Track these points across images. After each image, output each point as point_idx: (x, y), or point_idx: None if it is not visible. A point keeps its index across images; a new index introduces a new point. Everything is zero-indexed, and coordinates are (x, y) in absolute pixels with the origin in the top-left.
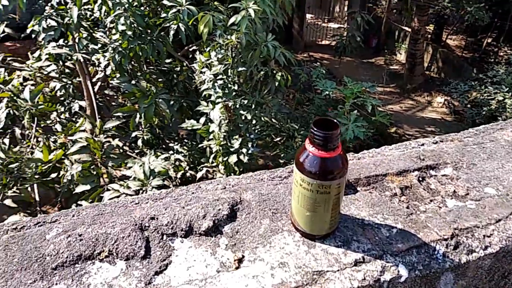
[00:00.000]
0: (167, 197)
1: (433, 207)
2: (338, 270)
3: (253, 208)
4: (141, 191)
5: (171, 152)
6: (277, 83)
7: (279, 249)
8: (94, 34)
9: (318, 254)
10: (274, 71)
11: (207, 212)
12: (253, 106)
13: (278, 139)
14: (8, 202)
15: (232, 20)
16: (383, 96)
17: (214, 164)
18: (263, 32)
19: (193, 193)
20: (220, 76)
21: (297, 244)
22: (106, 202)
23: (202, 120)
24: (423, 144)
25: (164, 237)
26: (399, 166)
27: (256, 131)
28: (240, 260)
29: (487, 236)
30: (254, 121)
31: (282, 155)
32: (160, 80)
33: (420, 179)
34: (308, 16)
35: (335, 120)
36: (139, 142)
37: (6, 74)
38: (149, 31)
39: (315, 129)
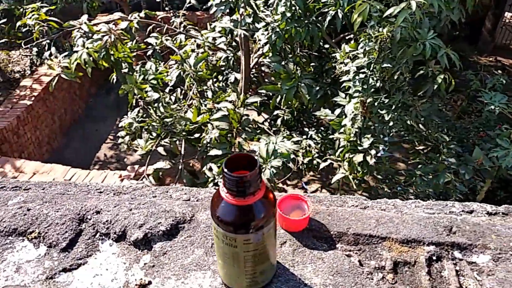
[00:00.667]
0: (127, 194)
1: None
2: None
3: (198, 232)
4: (261, 168)
5: (304, 136)
6: (436, 86)
7: None
8: (258, 13)
9: None
10: (436, 72)
11: (146, 222)
12: (394, 107)
13: (421, 147)
14: (160, 149)
15: (389, 11)
16: None
17: (340, 158)
18: (429, 28)
19: (154, 196)
20: (363, 70)
21: None
22: (81, 183)
23: (338, 111)
24: (471, 212)
25: (97, 235)
26: (411, 232)
27: (393, 134)
28: (144, 286)
29: None
30: (391, 123)
31: (419, 166)
32: (311, 64)
33: (434, 258)
34: (509, 15)
35: (256, 158)
36: (278, 121)
37: (184, 40)
38: (308, 13)
39: (225, 169)
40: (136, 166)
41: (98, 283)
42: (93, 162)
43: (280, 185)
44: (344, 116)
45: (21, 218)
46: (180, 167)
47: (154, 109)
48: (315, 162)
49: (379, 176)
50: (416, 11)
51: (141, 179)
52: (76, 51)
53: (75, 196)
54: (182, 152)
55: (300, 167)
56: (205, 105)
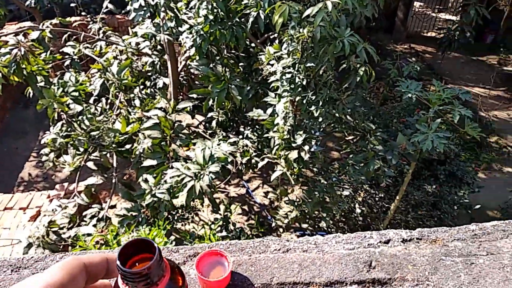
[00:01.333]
0: (29, 269)
1: None
2: None
3: None
4: (199, 175)
5: (240, 137)
6: (358, 78)
7: None
8: (180, 16)
9: None
10: (358, 66)
11: None
12: (321, 103)
13: (350, 138)
14: (90, 164)
15: (307, 12)
16: (488, 100)
17: (276, 156)
18: (346, 24)
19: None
20: (289, 70)
21: None
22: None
23: (269, 111)
24: (387, 242)
25: None
26: (333, 273)
27: (323, 128)
28: None
29: None
30: (321, 118)
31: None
32: (240, 64)
33: None
34: (417, 4)
35: (155, 243)
36: (213, 123)
37: (104, 46)
38: (230, 15)
39: (118, 262)
40: (66, 184)
41: None
42: (17, 183)
43: (222, 185)
44: (276, 115)
45: None
46: (114, 180)
47: (78, 122)
48: (253, 161)
49: (315, 169)
50: (332, 11)
51: (72, 197)
52: None
53: None
54: (115, 165)
55: (239, 167)
56: (134, 114)
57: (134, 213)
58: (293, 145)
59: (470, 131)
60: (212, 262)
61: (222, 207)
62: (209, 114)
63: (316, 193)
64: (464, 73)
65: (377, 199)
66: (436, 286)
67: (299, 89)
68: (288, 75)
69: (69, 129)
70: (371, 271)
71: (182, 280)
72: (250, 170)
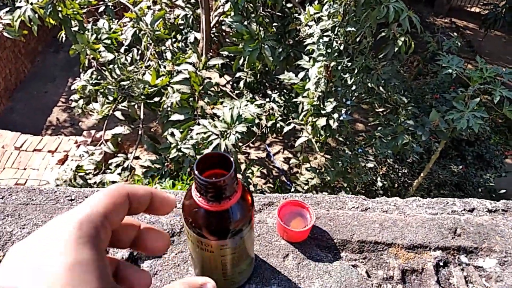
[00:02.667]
0: None
1: None
2: None
3: None
4: (225, 134)
5: (267, 99)
6: (396, 49)
7: None
8: None
9: None
10: (397, 35)
11: None
12: (357, 71)
13: (381, 110)
14: (118, 114)
15: None
16: None
17: (303, 122)
18: None
19: None
20: (327, 33)
21: None
22: (43, 189)
23: (301, 74)
24: (472, 210)
25: None
26: (416, 237)
27: (355, 97)
28: None
29: None
30: (354, 87)
31: (379, 128)
32: (274, 25)
33: (441, 264)
34: None
35: (232, 159)
36: (241, 84)
37: None
38: None
39: (195, 171)
40: (93, 131)
41: None
42: (45, 126)
43: (243, 147)
44: (307, 80)
45: None
46: (140, 132)
47: (109, 71)
48: (278, 125)
49: (340, 139)
50: None
51: (99, 145)
52: (19, 7)
53: (42, 207)
54: (142, 117)
55: (264, 130)
56: (164, 67)
57: (158, 166)
58: (322, 112)
59: (509, 114)
60: (293, 212)
61: (242, 166)
62: (238, 74)
63: (339, 162)
64: (505, 53)
65: (399, 174)
66: None
67: (335, 54)
68: (326, 39)
69: (99, 77)
70: (456, 238)
71: (251, 200)
72: (274, 134)
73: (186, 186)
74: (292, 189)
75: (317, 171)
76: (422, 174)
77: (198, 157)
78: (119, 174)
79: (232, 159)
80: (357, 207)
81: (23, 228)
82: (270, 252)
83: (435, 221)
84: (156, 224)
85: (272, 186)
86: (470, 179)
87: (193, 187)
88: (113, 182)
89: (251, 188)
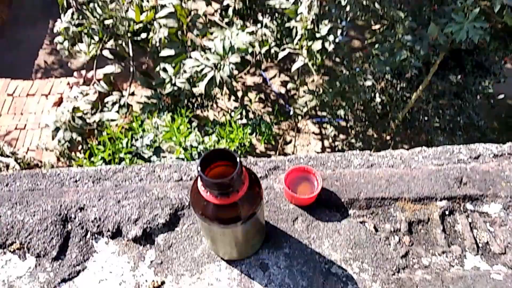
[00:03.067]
0: (109, 181)
1: (441, 264)
2: None
3: None
4: (219, 65)
5: (259, 25)
6: None
7: (207, 284)
8: None
9: None
10: None
11: (141, 215)
12: None
13: (377, 27)
14: (106, 53)
15: None
16: None
17: (298, 47)
18: None
19: (141, 179)
20: None
21: (230, 285)
22: (46, 172)
23: None
24: (478, 157)
25: (88, 234)
26: (423, 189)
27: (350, 17)
28: None
29: None
30: (348, 7)
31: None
32: None
33: (447, 213)
34: None
35: (236, 155)
36: (230, 11)
37: None
38: None
39: (200, 171)
40: (83, 72)
41: None
42: (34, 70)
43: (239, 74)
44: (299, 3)
45: None
46: (131, 69)
47: (90, 10)
48: (272, 51)
49: (337, 59)
50: None
51: (92, 85)
52: None
53: (48, 192)
54: (131, 54)
55: (258, 57)
56: (148, 1)
57: (154, 101)
58: (317, 35)
59: (510, 21)
60: (300, 176)
61: (239, 94)
62: (225, 2)
63: (337, 83)
64: None
65: (398, 88)
66: None
67: None
68: None
69: (81, 17)
70: (462, 187)
71: (258, 188)
72: (269, 60)
73: (185, 121)
74: (291, 112)
75: (315, 93)
76: (420, 87)
77: (207, 151)
78: (117, 111)
79: (237, 155)
80: (363, 164)
81: (34, 215)
82: (279, 217)
83: (441, 172)
84: (165, 199)
85: (270, 110)
86: (469, 87)
87: (199, 182)
88: (112, 120)
89: (250, 115)
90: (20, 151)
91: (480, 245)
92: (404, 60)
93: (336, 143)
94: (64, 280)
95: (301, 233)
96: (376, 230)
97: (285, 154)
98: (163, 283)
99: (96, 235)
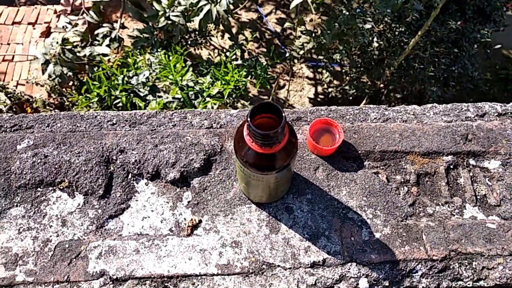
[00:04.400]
0: (145, 125)
1: (443, 213)
2: (290, 268)
3: (231, 164)
4: None
5: None
6: None
7: (239, 224)
8: None
9: (278, 243)
10: None
11: (178, 159)
12: None
13: None
14: None
15: None
16: None
17: None
18: None
19: (174, 125)
20: None
21: (260, 225)
22: (84, 115)
23: None
24: (483, 115)
25: (129, 176)
26: (432, 144)
27: None
28: (195, 226)
29: (487, 269)
30: None
31: None
32: None
33: (451, 167)
34: None
35: (281, 109)
36: None
37: None
38: None
39: (252, 126)
40: None
41: (149, 226)
42: None
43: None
44: None
45: (43, 168)
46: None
47: None
48: None
49: None
50: None
51: (81, 14)
52: None
53: (89, 134)
54: None
55: None
56: None
57: (146, 35)
58: None
59: None
60: (322, 128)
61: (234, 30)
62: None
63: (336, 24)
64: None
65: (397, 33)
66: None
67: None
68: None
69: None
70: (467, 144)
71: (295, 139)
72: None
73: (181, 59)
74: (287, 54)
75: (313, 34)
76: (419, 32)
77: (252, 107)
78: (108, 46)
79: (283, 111)
80: (379, 118)
81: (79, 156)
82: (302, 166)
83: (449, 128)
84: (198, 145)
85: (264, 50)
86: (468, 35)
87: (245, 131)
88: (104, 55)
89: (246, 55)
90: (10, 85)
91: (478, 197)
92: (407, 2)
93: (330, 89)
94: (111, 217)
95: (322, 181)
96: (388, 181)
97: (278, 100)
98: (200, 221)
99: (136, 177)
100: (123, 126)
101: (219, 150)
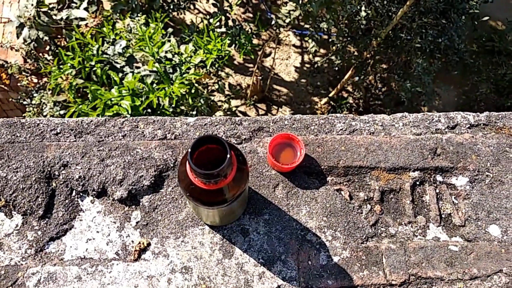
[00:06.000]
0: (92, 136)
1: (406, 233)
2: None
3: None
4: None
5: None
6: None
7: (190, 248)
8: None
9: (231, 268)
10: None
11: (126, 176)
12: None
13: None
14: None
15: None
16: None
17: None
18: None
19: (124, 135)
20: None
21: (213, 249)
22: (25, 122)
23: None
24: (453, 128)
25: (73, 193)
26: (399, 159)
27: None
28: (143, 250)
29: None
30: None
31: None
32: None
33: (417, 183)
34: None
35: (226, 144)
36: None
37: None
38: None
39: (192, 164)
40: None
41: (93, 248)
42: None
43: None
44: None
45: None
46: None
47: None
48: None
49: None
50: None
51: None
52: None
53: (29, 145)
54: None
55: None
56: None
57: None
58: None
59: None
60: (283, 143)
61: None
62: None
63: None
64: None
65: (385, 2)
66: (495, 178)
67: None
68: None
69: None
70: (435, 159)
71: (245, 167)
72: None
73: (160, 27)
74: (273, 22)
75: (300, 1)
76: (408, 2)
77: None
78: (86, 9)
79: (226, 144)
80: (345, 129)
81: (17, 172)
82: (261, 183)
83: (418, 142)
84: (149, 159)
85: (250, 16)
86: (456, 5)
87: (188, 166)
88: (82, 19)
89: (230, 23)
90: None
91: (443, 216)
92: None
93: (316, 58)
94: (52, 239)
95: (281, 200)
96: (351, 198)
97: (264, 68)
98: (148, 244)
99: (81, 194)
100: (67, 137)
101: (172, 165)
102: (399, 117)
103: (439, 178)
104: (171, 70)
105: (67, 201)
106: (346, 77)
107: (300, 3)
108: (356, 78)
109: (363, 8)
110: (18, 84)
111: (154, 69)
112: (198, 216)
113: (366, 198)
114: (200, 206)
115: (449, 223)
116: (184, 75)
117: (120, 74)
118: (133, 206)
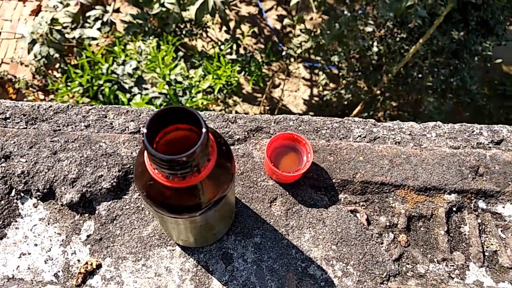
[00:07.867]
0: (48, 123)
1: (439, 274)
2: None
3: None
4: None
5: None
6: None
7: (153, 275)
8: None
9: None
10: None
11: (80, 174)
12: None
13: None
14: None
15: None
16: None
17: None
18: None
19: (88, 126)
20: None
21: (183, 278)
22: None
23: None
24: (499, 143)
25: (13, 192)
26: (431, 177)
27: None
28: (91, 273)
29: None
30: None
31: None
32: None
33: (454, 209)
34: None
35: (199, 117)
36: None
37: None
38: None
39: (147, 144)
40: None
41: (27, 267)
42: None
43: (233, 2)
44: None
45: None
46: None
47: None
48: None
49: None
50: None
51: None
52: None
53: None
54: None
55: None
56: None
57: (140, 21)
58: None
59: None
60: (286, 146)
61: (232, 24)
62: None
63: (336, 24)
64: None
65: (398, 39)
66: None
67: None
68: None
69: None
70: (477, 179)
71: (229, 163)
72: None
73: (171, 50)
74: (284, 53)
75: (312, 33)
76: (421, 40)
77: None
78: (99, 29)
79: (201, 117)
80: (365, 136)
81: None
82: (254, 196)
83: (456, 157)
84: (113, 156)
85: (262, 47)
86: (469, 46)
87: (146, 156)
88: (93, 38)
89: (241, 51)
90: None
91: (487, 254)
92: (411, 7)
93: (325, 92)
94: None
95: (279, 219)
96: (369, 223)
97: (272, 98)
98: (99, 266)
99: (22, 194)
100: (17, 122)
101: None
102: (431, 126)
103: (481, 204)
104: (181, 93)
105: (2, 202)
106: (354, 112)
107: (312, 35)
108: (365, 114)
109: (375, 43)
110: (25, 99)
111: (164, 91)
112: (168, 233)
113: (388, 224)
114: (162, 213)
115: (494, 263)
116: (194, 99)
117: (128, 95)
118: (86, 215)
